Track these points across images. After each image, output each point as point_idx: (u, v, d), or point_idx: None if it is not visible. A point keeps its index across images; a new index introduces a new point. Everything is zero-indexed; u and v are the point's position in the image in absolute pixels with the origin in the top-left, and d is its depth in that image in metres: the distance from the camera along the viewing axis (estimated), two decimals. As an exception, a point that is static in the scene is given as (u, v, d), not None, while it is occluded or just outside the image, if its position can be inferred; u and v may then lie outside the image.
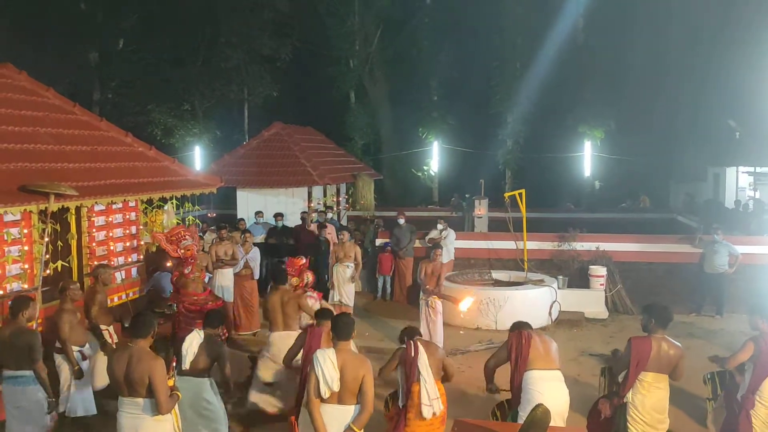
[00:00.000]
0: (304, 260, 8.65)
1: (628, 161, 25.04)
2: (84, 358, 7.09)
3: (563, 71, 24.40)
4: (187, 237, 9.33)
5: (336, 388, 4.86)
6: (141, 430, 5.10)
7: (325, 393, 4.86)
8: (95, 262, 9.53)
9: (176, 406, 5.32)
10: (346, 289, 11.25)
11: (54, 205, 8.17)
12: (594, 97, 24.76)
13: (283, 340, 7.29)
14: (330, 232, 13.77)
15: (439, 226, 13.80)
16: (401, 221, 14.00)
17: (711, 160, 21.97)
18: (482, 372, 6.22)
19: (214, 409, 6.17)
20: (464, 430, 5.24)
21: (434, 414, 5.71)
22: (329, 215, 15.36)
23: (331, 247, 12.43)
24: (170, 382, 5.26)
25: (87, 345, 7.28)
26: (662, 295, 12.51)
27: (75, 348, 6.93)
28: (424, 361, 5.73)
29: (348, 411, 4.93)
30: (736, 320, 11.91)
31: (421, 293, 10.06)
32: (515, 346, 5.93)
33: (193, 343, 6.13)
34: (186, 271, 9.21)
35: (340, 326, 5.12)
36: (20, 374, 6.04)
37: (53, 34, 22.99)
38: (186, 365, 6.08)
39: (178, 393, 5.32)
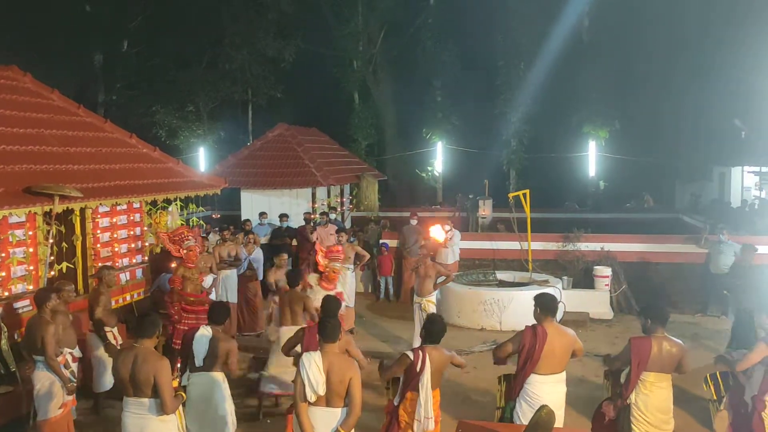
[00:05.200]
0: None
1: (633, 161, 24.97)
2: (74, 360, 7.11)
3: (568, 71, 24.35)
4: (190, 237, 9.36)
5: (321, 391, 4.84)
6: (146, 430, 5.12)
7: (311, 397, 4.85)
8: (99, 264, 9.56)
9: (180, 407, 5.33)
10: (347, 291, 11.24)
11: (59, 207, 8.19)
12: (598, 97, 24.70)
13: (290, 334, 7.37)
14: (332, 233, 13.75)
15: (446, 227, 13.79)
16: (414, 221, 14.07)
17: (716, 159, 21.89)
18: (486, 373, 6.16)
19: (224, 407, 6.22)
20: (468, 431, 5.23)
21: (423, 431, 5.62)
22: (332, 216, 15.36)
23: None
24: (174, 383, 5.27)
25: (77, 348, 7.29)
26: (667, 295, 12.49)
27: (67, 350, 6.92)
28: (426, 378, 5.55)
29: (335, 413, 4.92)
30: (742, 320, 11.86)
31: (414, 296, 10.12)
32: (527, 347, 5.71)
33: (203, 339, 6.18)
34: (189, 265, 9.29)
35: (326, 329, 5.06)
36: (37, 359, 6.50)
37: (58, 35, 23.07)
38: (199, 362, 6.12)
39: (183, 393, 5.33)
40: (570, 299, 12.29)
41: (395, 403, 5.73)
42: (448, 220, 14.35)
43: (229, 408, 6.22)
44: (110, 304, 8.19)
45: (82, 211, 9.24)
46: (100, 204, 9.27)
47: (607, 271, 12.83)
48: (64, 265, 9.01)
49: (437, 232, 11.64)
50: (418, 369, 5.53)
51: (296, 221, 15.01)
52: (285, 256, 10.57)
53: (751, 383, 6.10)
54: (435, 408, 5.68)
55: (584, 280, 13.19)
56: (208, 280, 10.10)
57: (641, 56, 23.89)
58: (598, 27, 25.34)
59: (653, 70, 24.13)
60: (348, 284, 11.31)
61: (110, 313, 8.07)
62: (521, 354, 5.76)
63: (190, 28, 25.29)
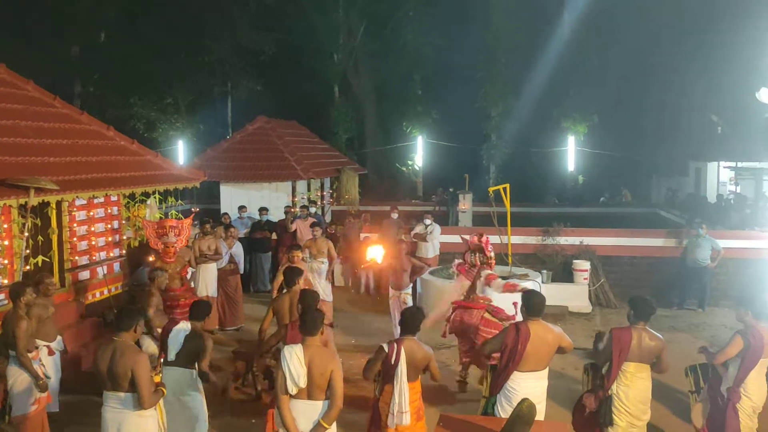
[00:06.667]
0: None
1: (611, 156, 25.23)
2: (51, 353, 6.99)
3: (548, 66, 24.53)
4: (170, 234, 9.26)
5: (302, 384, 4.83)
6: (124, 424, 5.06)
7: (292, 389, 4.83)
8: (76, 257, 9.44)
9: (161, 401, 5.27)
10: (322, 285, 11.17)
11: (34, 200, 8.07)
12: (578, 92, 24.92)
13: None
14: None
15: (426, 221, 13.78)
16: (395, 216, 14.12)
17: (693, 154, 22.19)
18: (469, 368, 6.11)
19: (197, 403, 6.19)
20: (449, 425, 5.24)
21: (397, 426, 5.55)
22: (312, 210, 15.29)
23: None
24: (157, 378, 5.21)
25: (58, 340, 7.14)
26: (645, 288, 12.61)
27: (42, 343, 6.79)
28: (402, 370, 5.50)
29: (317, 406, 4.91)
30: (718, 314, 12.05)
31: (391, 290, 10.28)
32: (509, 347, 5.61)
33: (179, 334, 6.15)
34: (166, 259, 9.18)
35: (307, 322, 5.05)
36: (11, 354, 6.30)
37: (34, 26, 22.68)
38: (171, 356, 6.08)
39: (164, 389, 5.27)
40: (549, 293, 12.22)
41: (377, 396, 5.73)
42: (428, 214, 14.37)
43: (200, 403, 6.19)
44: (161, 305, 8.07)
45: (59, 204, 9.12)
46: (77, 197, 9.16)
47: (585, 264, 12.92)
48: (40, 258, 8.89)
49: (377, 253, 9.94)
50: (392, 361, 5.51)
51: (276, 215, 14.92)
52: (299, 252, 9.45)
53: (727, 375, 6.18)
54: (416, 400, 5.66)
55: (563, 273, 13.28)
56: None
57: (620, 52, 24.12)
58: (579, 23, 25.50)
59: (632, 65, 24.38)
60: (323, 278, 11.26)
61: (161, 315, 7.94)
62: (503, 353, 5.70)
63: (168, 20, 24.98)
